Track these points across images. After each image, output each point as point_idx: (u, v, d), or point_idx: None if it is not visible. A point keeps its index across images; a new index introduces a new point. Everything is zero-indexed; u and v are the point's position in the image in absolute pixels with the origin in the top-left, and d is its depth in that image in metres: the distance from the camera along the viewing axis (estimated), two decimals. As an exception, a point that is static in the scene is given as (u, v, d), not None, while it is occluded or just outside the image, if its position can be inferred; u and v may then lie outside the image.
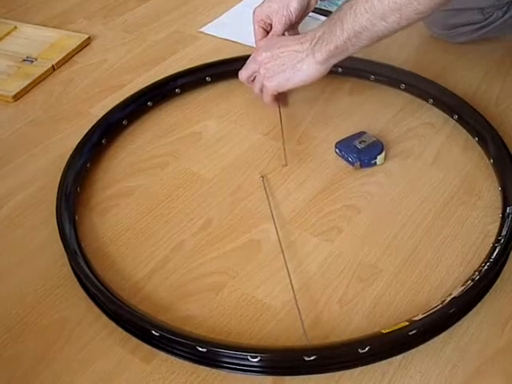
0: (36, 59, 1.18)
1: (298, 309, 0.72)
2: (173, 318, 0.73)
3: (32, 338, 0.72)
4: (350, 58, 1.01)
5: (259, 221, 0.84)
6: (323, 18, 1.20)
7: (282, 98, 1.00)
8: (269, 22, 1.00)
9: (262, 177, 0.91)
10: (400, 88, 1.05)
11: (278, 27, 1.00)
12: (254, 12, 1.01)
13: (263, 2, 1.01)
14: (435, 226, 0.83)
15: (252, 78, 0.99)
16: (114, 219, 0.86)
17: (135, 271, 0.79)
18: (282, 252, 0.79)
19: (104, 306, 0.73)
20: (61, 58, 1.17)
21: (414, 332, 0.68)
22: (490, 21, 1.10)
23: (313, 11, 1.27)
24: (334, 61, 0.90)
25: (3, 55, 1.19)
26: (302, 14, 1.02)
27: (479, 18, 1.10)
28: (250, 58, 0.98)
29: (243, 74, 0.99)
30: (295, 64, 0.91)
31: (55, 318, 0.74)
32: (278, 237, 0.81)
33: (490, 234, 0.81)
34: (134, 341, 0.70)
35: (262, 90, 0.97)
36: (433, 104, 1.02)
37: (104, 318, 0.73)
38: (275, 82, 0.93)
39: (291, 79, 0.92)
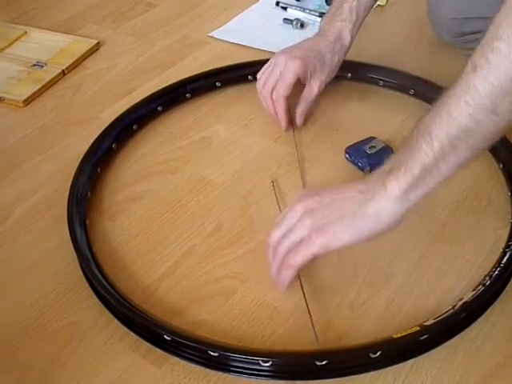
0: (46, 64, 1.18)
1: (309, 313, 0.72)
2: (184, 322, 0.73)
3: (44, 341, 0.72)
4: (359, 64, 1.03)
5: (270, 225, 0.84)
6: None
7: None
8: (303, 79, 0.96)
9: (273, 182, 0.91)
10: (409, 93, 1.05)
11: (314, 89, 0.97)
12: (278, 58, 0.96)
13: (291, 49, 0.97)
14: (445, 231, 0.83)
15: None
16: (125, 224, 0.86)
17: (146, 276, 0.79)
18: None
19: (116, 310, 0.73)
20: (71, 62, 1.18)
21: (425, 337, 0.68)
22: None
23: (321, 16, 1.28)
24: (416, 195, 0.65)
25: (14, 60, 1.20)
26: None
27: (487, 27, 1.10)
28: (285, 213, 0.72)
29: (276, 234, 0.72)
30: (358, 208, 0.66)
31: (67, 322, 0.74)
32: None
33: (501, 239, 0.81)
34: (146, 345, 0.71)
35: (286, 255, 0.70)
36: (442, 109, 1.02)
37: (116, 322, 0.73)
38: (328, 234, 0.67)
39: (351, 229, 0.67)
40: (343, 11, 0.97)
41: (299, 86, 0.98)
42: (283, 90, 0.95)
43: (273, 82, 0.96)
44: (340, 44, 0.97)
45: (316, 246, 0.67)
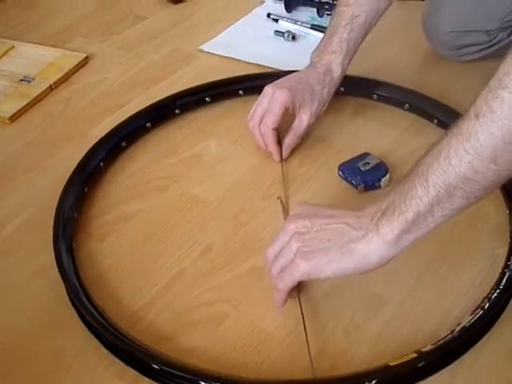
0: (33, 79, 1.16)
1: (307, 341, 0.69)
2: (174, 349, 0.71)
3: (26, 369, 0.70)
4: (352, 77, 1.01)
5: (262, 246, 0.81)
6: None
7: (298, 288, 0.74)
8: (291, 109, 0.92)
9: (280, 198, 0.89)
10: (404, 108, 1.03)
11: (303, 121, 0.93)
12: (266, 89, 0.93)
13: (279, 81, 0.94)
14: (442, 251, 0.81)
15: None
16: (114, 245, 0.84)
17: (135, 300, 0.77)
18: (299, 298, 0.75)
19: (102, 337, 0.71)
20: (58, 77, 1.16)
21: (422, 364, 0.66)
22: (495, 41, 1.10)
23: (313, 29, 1.27)
24: (409, 240, 0.64)
25: (0, 75, 1.18)
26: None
27: (485, 40, 1.10)
28: (281, 231, 0.72)
29: (269, 251, 0.72)
30: (346, 243, 0.65)
31: (52, 349, 0.72)
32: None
33: (499, 259, 0.79)
34: (134, 373, 0.68)
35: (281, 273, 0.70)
36: (437, 124, 1.00)
37: (103, 349, 0.71)
38: (312, 263, 0.66)
39: (335, 263, 0.65)
40: (333, 43, 0.95)
41: (292, 117, 0.95)
42: (271, 121, 0.92)
43: (260, 113, 0.93)
44: (330, 76, 0.95)
45: (298, 272, 0.67)
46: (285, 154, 0.95)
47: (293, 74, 0.96)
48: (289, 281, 0.68)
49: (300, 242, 0.67)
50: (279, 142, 0.95)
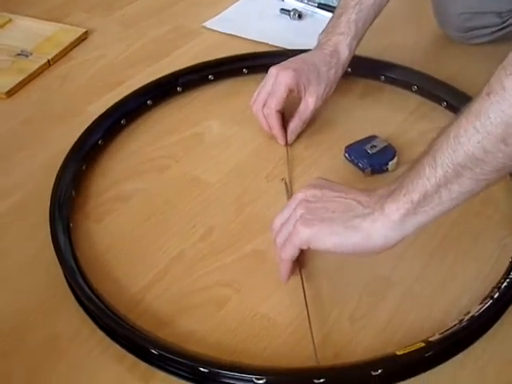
0: (31, 53, 1.13)
1: (311, 328, 0.67)
2: (173, 333, 0.68)
3: (23, 354, 0.67)
4: (359, 58, 0.98)
5: (265, 229, 0.79)
6: (330, 14, 1.14)
7: (302, 259, 0.73)
8: (296, 92, 0.89)
9: (284, 179, 0.86)
10: (412, 90, 1.01)
11: (309, 104, 0.90)
12: (270, 70, 0.90)
13: (284, 62, 0.91)
14: (449, 237, 0.79)
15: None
16: (111, 226, 0.81)
17: (133, 282, 0.74)
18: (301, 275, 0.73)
19: (99, 321, 0.69)
20: (57, 52, 1.13)
21: (430, 353, 0.64)
22: (507, 24, 1.08)
23: (319, 7, 1.24)
24: (414, 224, 0.62)
25: (-3, 49, 1.15)
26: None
27: (496, 22, 1.07)
28: (290, 199, 0.71)
29: (277, 219, 0.70)
30: (351, 218, 0.63)
31: (48, 332, 0.69)
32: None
33: (508, 247, 0.77)
34: (132, 358, 0.66)
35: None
36: (446, 107, 0.97)
37: (99, 332, 0.68)
38: (313, 230, 0.64)
39: (336, 236, 0.64)
40: (341, 24, 0.92)
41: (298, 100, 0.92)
42: (274, 103, 0.89)
43: (264, 95, 0.90)
44: (337, 58, 0.92)
45: (298, 238, 0.65)
46: (290, 138, 0.92)
47: (298, 56, 0.93)
48: (290, 248, 0.67)
49: (305, 209, 0.66)
50: (284, 126, 0.92)
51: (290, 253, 0.67)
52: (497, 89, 0.54)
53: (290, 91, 0.89)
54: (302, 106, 0.91)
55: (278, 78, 0.89)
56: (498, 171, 0.57)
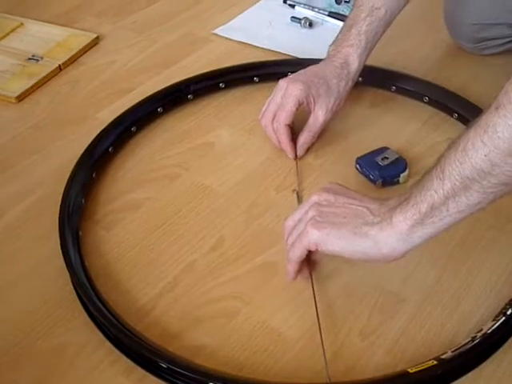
0: (42, 58, 1.13)
1: (323, 343, 0.66)
2: (182, 346, 0.68)
3: (30, 364, 0.67)
4: (371, 68, 0.97)
5: (275, 241, 0.78)
6: (340, 23, 1.13)
7: (313, 263, 0.74)
8: (306, 104, 0.88)
9: (295, 190, 0.86)
10: (423, 101, 1.00)
11: (319, 117, 0.89)
12: (279, 83, 0.90)
13: (294, 75, 0.91)
14: (461, 251, 0.78)
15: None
16: (121, 234, 0.81)
17: (142, 293, 0.74)
18: (312, 280, 0.73)
19: (108, 332, 0.68)
20: (68, 57, 1.13)
21: (442, 371, 0.63)
22: (519, 35, 1.06)
23: (330, 16, 1.23)
24: (422, 235, 0.62)
25: (8, 53, 1.15)
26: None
27: (508, 33, 1.06)
28: (305, 201, 0.72)
29: (289, 221, 0.71)
30: (360, 225, 0.65)
31: (55, 343, 0.69)
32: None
33: (521, 261, 0.76)
34: (140, 371, 0.65)
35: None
36: (457, 119, 0.97)
37: (108, 344, 0.68)
38: (322, 233, 0.65)
39: (345, 241, 0.65)
40: (351, 36, 0.91)
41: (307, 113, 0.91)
42: (284, 117, 0.88)
43: (273, 108, 0.89)
44: (347, 70, 0.91)
45: (307, 239, 0.66)
46: (299, 152, 0.91)
47: (308, 68, 0.93)
48: (298, 249, 0.68)
49: (317, 212, 0.67)
50: (293, 139, 0.91)
51: (297, 253, 0.68)
52: (505, 103, 0.54)
53: (300, 104, 0.88)
54: (311, 119, 0.90)
55: (287, 91, 0.88)
56: (506, 185, 0.57)
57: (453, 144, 0.60)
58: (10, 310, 0.72)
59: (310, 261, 0.72)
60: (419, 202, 0.61)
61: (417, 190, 0.62)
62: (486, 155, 0.55)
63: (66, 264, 0.73)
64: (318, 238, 0.65)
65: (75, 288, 0.72)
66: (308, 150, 0.92)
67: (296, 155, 0.91)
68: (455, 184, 0.58)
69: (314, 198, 0.69)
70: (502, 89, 0.56)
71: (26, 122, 1.00)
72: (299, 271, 0.71)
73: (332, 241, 0.65)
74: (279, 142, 0.91)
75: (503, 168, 0.55)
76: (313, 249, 0.67)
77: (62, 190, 0.83)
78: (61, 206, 0.80)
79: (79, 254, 0.75)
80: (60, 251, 0.75)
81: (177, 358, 0.64)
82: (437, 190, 0.59)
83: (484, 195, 0.58)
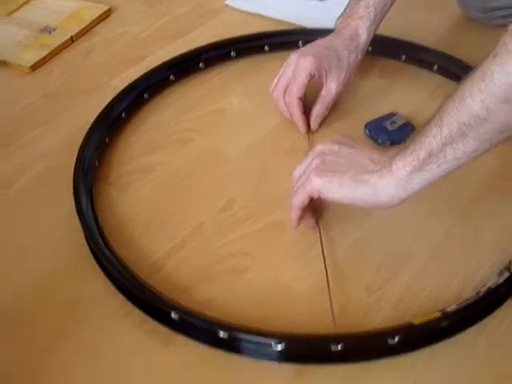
0: (54, 29, 1.14)
1: (330, 295, 0.68)
2: (192, 300, 0.69)
3: (46, 316, 0.69)
4: (380, 38, 0.98)
5: (285, 201, 0.80)
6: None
7: (318, 212, 0.78)
8: (317, 77, 0.89)
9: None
10: (432, 70, 1.01)
11: (331, 90, 0.90)
12: (290, 57, 0.91)
13: (304, 48, 0.92)
14: (468, 211, 0.79)
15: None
16: (133, 196, 0.82)
17: (153, 251, 0.75)
18: (320, 234, 0.75)
19: (121, 285, 0.70)
20: (80, 29, 1.14)
21: (446, 323, 0.65)
22: (529, 6, 1.06)
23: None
24: (420, 181, 0.64)
25: (21, 24, 1.16)
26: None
27: None
28: (311, 151, 0.75)
29: (296, 171, 0.75)
30: (361, 173, 0.67)
31: (71, 295, 0.71)
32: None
33: (527, 221, 0.77)
34: (152, 323, 0.67)
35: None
36: (466, 87, 0.97)
37: (121, 297, 0.70)
38: (324, 180, 0.68)
39: (346, 188, 0.68)
40: (360, 8, 0.92)
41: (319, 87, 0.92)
42: (296, 90, 0.89)
43: (284, 82, 0.90)
44: (356, 42, 0.91)
45: (310, 186, 0.69)
46: (313, 125, 0.92)
47: (318, 41, 0.93)
48: (300, 195, 0.71)
49: (321, 161, 0.70)
50: (305, 113, 0.92)
51: (300, 199, 0.71)
52: (501, 51, 0.56)
53: (312, 77, 0.89)
54: (324, 92, 0.91)
55: (298, 64, 0.89)
56: (501, 132, 0.59)
57: (451, 95, 0.62)
58: (28, 264, 0.74)
59: (316, 211, 0.75)
60: (418, 149, 0.63)
61: (416, 139, 0.64)
62: (482, 101, 0.57)
63: (81, 220, 0.75)
64: (321, 185, 0.68)
65: (89, 244, 0.74)
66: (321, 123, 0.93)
67: (308, 129, 0.92)
68: (453, 131, 0.60)
69: (320, 148, 0.73)
70: (502, 37, 0.57)
71: (39, 91, 1.02)
72: (302, 218, 0.73)
73: (334, 188, 0.68)
74: (291, 115, 0.92)
75: (498, 114, 0.57)
76: (315, 196, 0.70)
77: (75, 155, 0.84)
78: (75, 166, 0.81)
79: (93, 210, 0.77)
80: (74, 211, 0.77)
81: (188, 309, 0.66)
82: (435, 136, 0.62)
83: (480, 143, 0.60)
